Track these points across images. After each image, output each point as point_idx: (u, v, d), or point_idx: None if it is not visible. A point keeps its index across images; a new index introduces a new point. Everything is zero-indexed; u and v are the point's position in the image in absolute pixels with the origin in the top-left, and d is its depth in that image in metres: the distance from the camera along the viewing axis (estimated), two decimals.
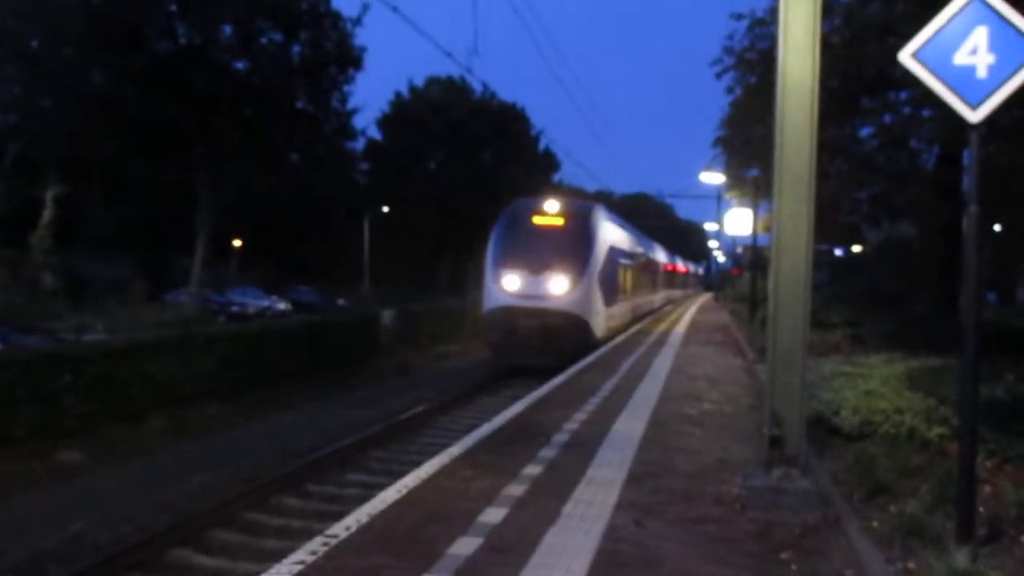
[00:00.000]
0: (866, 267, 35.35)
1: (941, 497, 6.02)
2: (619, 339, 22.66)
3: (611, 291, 21.89)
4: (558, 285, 19.36)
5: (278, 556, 5.37)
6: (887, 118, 16.52)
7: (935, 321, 17.45)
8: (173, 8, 30.87)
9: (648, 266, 34.35)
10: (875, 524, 5.99)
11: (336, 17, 33.97)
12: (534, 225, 20.61)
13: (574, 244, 20.10)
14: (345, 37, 34.38)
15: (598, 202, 26.98)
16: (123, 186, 37.39)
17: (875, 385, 10.01)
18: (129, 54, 28.79)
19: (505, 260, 19.98)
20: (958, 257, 5.37)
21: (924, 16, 5.35)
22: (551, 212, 20.72)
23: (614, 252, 22.33)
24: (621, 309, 24.64)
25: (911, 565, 5.17)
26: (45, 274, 33.59)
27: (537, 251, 19.96)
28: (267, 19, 32.08)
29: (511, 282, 19.61)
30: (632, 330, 26.61)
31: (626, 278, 25.69)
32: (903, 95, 15.53)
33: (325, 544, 5.32)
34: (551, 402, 11.49)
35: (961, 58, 5.10)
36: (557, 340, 18.95)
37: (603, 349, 19.69)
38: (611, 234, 22.30)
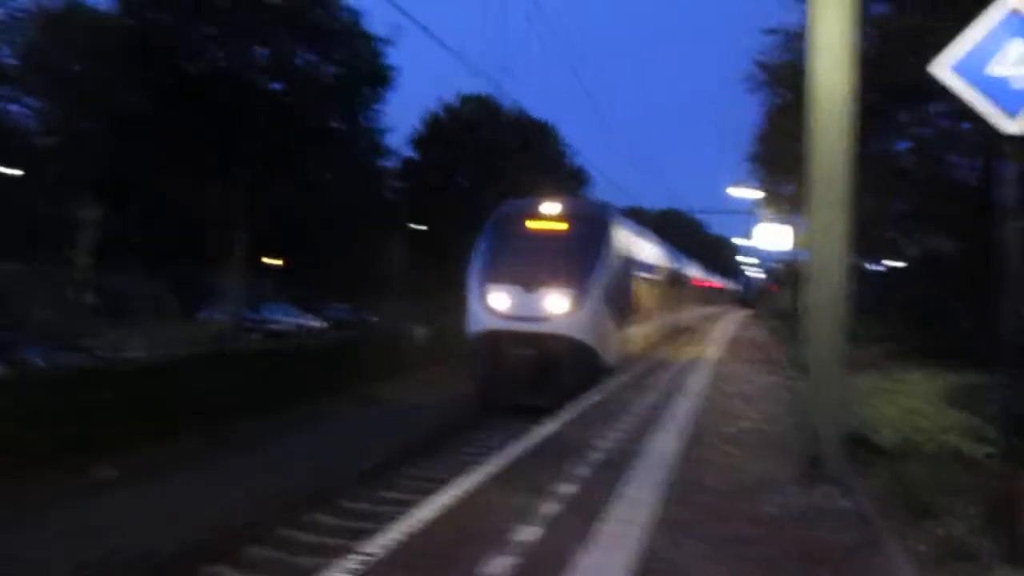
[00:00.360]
0: (904, 282, 34.80)
1: (988, 519, 5.87)
2: (648, 361, 22.21)
3: (626, 310, 18.80)
4: (556, 304, 16.25)
5: (312, 574, 5.37)
6: (923, 131, 16.32)
7: (975, 336, 17.13)
8: (209, 31, 31.49)
9: (676, 280, 30.78)
10: (917, 545, 5.86)
11: (368, 37, 34.43)
12: (529, 230, 17.49)
13: (578, 253, 16.95)
14: (377, 57, 34.81)
15: (625, 213, 25.65)
16: (160, 205, 38.03)
17: (917, 402, 9.84)
18: (165, 76, 29.39)
19: (492, 274, 16.88)
20: (998, 271, 5.26)
21: (957, 28, 5.28)
22: (550, 214, 17.56)
23: (630, 263, 19.26)
24: (640, 331, 21.31)
25: None
26: (85, 292, 34.22)
27: (532, 262, 16.82)
28: (300, 40, 32.60)
29: (499, 301, 16.46)
30: (660, 352, 23.46)
31: (647, 294, 22.33)
32: (940, 108, 15.32)
33: (360, 562, 5.31)
34: (585, 419, 11.42)
35: (996, 69, 5.03)
36: (555, 372, 15.93)
37: (636, 368, 19.12)
38: (626, 242, 19.08)
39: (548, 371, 15.93)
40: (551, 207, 17.60)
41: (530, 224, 17.52)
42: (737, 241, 65.85)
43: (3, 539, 9.03)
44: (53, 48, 33.60)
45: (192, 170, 31.50)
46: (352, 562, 5.31)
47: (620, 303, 17.94)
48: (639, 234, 22.73)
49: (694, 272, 41.41)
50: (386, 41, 34.46)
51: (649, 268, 22.61)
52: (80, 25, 33.81)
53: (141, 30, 30.05)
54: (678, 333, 31.97)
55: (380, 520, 8.84)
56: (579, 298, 16.25)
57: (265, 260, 46.49)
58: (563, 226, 17.39)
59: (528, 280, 16.46)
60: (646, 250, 22.66)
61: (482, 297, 16.63)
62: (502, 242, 17.43)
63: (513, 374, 16.10)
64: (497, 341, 16.32)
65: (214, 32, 31.60)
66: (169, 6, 30.53)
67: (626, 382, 16.32)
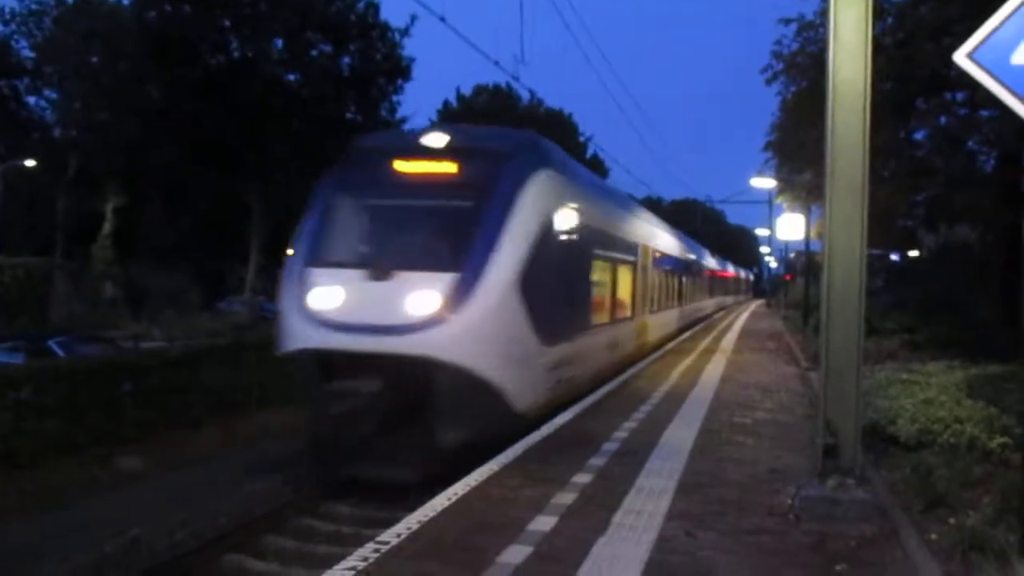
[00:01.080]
0: (922, 272, 34.60)
1: (1004, 509, 5.85)
2: (661, 351, 22.05)
3: (567, 311, 11.55)
4: (423, 301, 9.15)
5: (330, 562, 5.44)
6: (943, 120, 16.19)
7: (995, 327, 17.01)
8: (226, 23, 31.64)
9: (675, 267, 24.41)
10: (934, 536, 5.86)
11: (385, 28, 34.47)
12: (394, 179, 10.47)
13: (472, 214, 9.81)
14: (394, 48, 34.86)
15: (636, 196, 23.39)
16: (179, 197, 38.41)
17: (933, 393, 9.81)
18: (183, 68, 29.57)
19: (321, 252, 10.14)
20: (1020, 261, 5.23)
21: (979, 16, 5.23)
22: (432, 150, 10.47)
23: (581, 236, 11.84)
24: (600, 343, 13.89)
25: None
26: (105, 284, 34.59)
27: (391, 230, 10.42)
28: (317, 32, 32.70)
29: (324, 297, 9.55)
30: (638, 370, 16.60)
31: (619, 285, 15.45)
32: (959, 96, 15.20)
33: (376, 550, 5.37)
34: (600, 410, 11.44)
35: (1019, 58, 4.97)
36: (423, 422, 9.11)
37: (652, 356, 18.85)
38: (572, 200, 11.60)
39: (409, 420, 9.12)
40: (435, 139, 10.57)
41: (399, 167, 10.50)
42: (758, 231, 65.61)
43: (26, 529, 9.20)
44: (72, 40, 33.86)
45: (211, 161, 31.73)
46: (367, 550, 5.37)
47: (553, 300, 10.68)
48: (603, 193, 16.00)
49: (704, 258, 37.42)
50: (403, 32, 34.52)
51: (623, 246, 15.87)
52: (99, 17, 34.10)
53: (160, 22, 30.22)
54: (677, 333, 25.97)
55: (396, 509, 8.93)
56: (466, 291, 9.19)
57: (284, 252, 46.71)
58: (452, 170, 10.30)
59: (380, 262, 9.63)
60: (615, 219, 15.55)
61: (299, 292, 9.78)
62: (346, 199, 10.61)
63: (349, 424, 9.09)
64: (321, 368, 9.48)
65: (232, 24, 31.74)
66: None
67: (645, 369, 16.20)
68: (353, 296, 9.46)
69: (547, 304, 10.26)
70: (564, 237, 11.09)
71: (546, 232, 10.31)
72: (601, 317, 14.08)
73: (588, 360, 12.78)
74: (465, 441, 9.01)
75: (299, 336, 9.61)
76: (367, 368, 9.17)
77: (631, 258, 16.64)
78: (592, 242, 12.86)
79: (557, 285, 10.90)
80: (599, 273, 13.89)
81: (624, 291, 16.17)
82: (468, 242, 9.54)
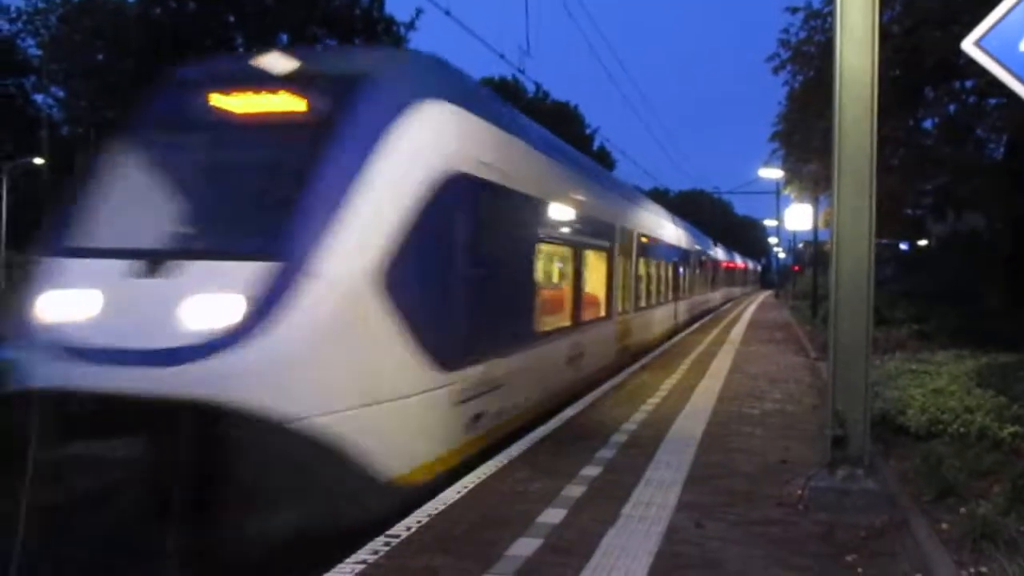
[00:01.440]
0: (931, 261, 34.43)
1: (1014, 498, 5.85)
2: (668, 344, 22.04)
3: (484, 316, 7.78)
4: (214, 309, 5.57)
5: (339, 554, 5.46)
6: (951, 108, 16.13)
7: (1005, 316, 16.94)
8: (231, 19, 31.70)
9: (669, 254, 21.92)
10: (945, 526, 5.85)
11: (390, 22, 34.52)
12: (208, 117, 6.95)
13: (310, 168, 6.16)
14: (399, 41, 34.90)
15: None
16: None
17: (943, 383, 9.79)
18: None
19: (75, 232, 6.47)
20: None
21: (987, 3, 5.20)
22: (269, 76, 6.89)
23: (508, 203, 8.73)
24: (553, 352, 10.56)
25: (983, 569, 5.03)
26: None
27: (182, 199, 6.64)
28: (322, 26, 32.74)
29: (66, 306, 5.87)
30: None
31: (581, 275, 11.98)
32: (968, 84, 15.13)
33: (387, 544, 5.38)
34: (607, 402, 11.44)
35: None
36: (218, 506, 5.17)
37: (658, 349, 18.86)
38: (484, 147, 8.01)
39: (199, 505, 5.07)
40: (273, 62, 7.05)
41: (214, 103, 7.01)
42: (766, 222, 65.48)
43: None
44: (78, 38, 33.97)
45: None
46: (378, 543, 5.39)
47: (460, 300, 7.32)
48: (557, 153, 11.54)
49: (709, 249, 35.43)
50: (408, 25, 34.56)
51: (594, 227, 12.78)
52: (104, 14, 34.20)
53: (164, 18, 30.29)
54: (679, 328, 24.19)
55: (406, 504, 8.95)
56: (285, 290, 5.67)
57: None
58: (291, 105, 6.83)
59: (153, 247, 6.16)
60: (577, 190, 11.92)
61: (30, 297, 6.19)
62: (130, 151, 7.02)
63: (96, 510, 5.45)
64: (50, 419, 5.29)
65: (236, 19, 31.78)
66: None
67: (657, 356, 16.19)
68: (107, 303, 5.86)
69: (444, 307, 7.07)
70: (476, 206, 7.64)
71: (439, 196, 6.80)
72: (556, 319, 10.96)
73: (534, 379, 9.56)
74: (295, 532, 5.43)
75: (18, 368, 5.84)
76: (124, 419, 5.50)
77: (605, 243, 13.48)
78: (535, 217, 9.68)
79: (465, 277, 7.39)
80: (550, 261, 11.00)
81: (596, 284, 13.22)
82: (295, 212, 6.03)
